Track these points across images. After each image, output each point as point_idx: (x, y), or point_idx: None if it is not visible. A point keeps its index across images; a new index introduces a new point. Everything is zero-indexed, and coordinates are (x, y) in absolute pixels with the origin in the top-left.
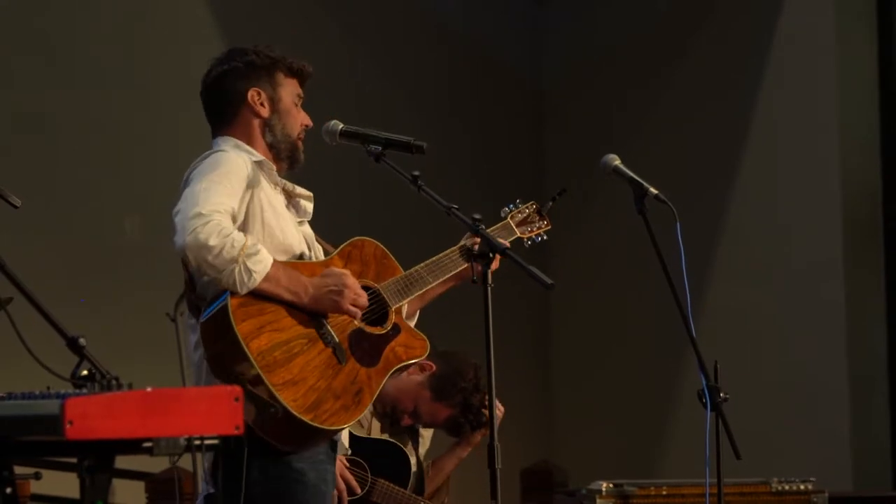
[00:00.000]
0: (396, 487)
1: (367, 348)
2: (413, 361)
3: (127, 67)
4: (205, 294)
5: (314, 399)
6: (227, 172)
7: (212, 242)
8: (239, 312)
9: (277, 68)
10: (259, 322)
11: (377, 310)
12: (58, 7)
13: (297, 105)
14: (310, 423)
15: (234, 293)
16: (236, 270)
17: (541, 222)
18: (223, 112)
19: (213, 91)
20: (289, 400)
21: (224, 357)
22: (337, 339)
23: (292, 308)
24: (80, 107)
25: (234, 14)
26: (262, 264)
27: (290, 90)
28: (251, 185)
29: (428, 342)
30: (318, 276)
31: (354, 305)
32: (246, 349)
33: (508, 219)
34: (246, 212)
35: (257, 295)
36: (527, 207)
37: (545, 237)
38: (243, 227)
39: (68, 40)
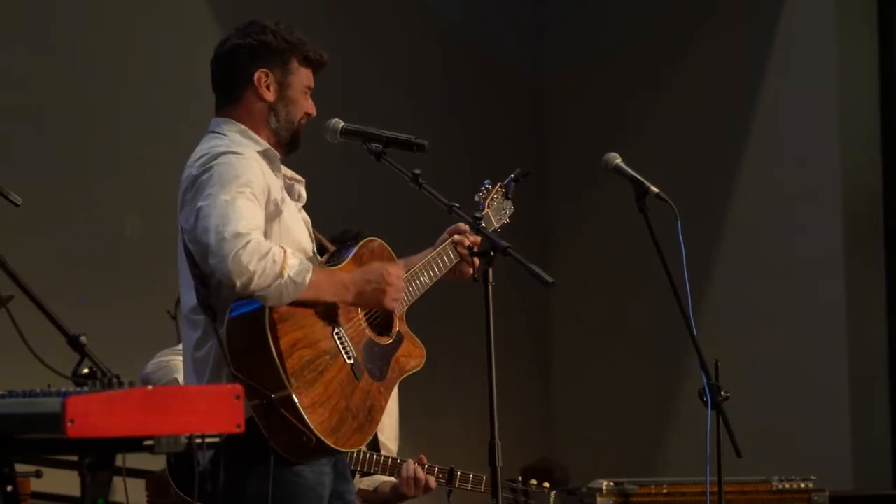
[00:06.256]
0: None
1: (376, 360)
2: (413, 372)
3: (128, 67)
4: (219, 291)
5: (337, 420)
6: (248, 181)
7: (255, 265)
8: (277, 328)
9: (293, 54)
10: (293, 339)
11: (383, 317)
12: (60, 6)
13: (305, 94)
14: (332, 446)
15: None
16: (283, 284)
17: (506, 203)
18: (229, 89)
19: (223, 64)
20: (316, 423)
21: (254, 373)
22: (355, 353)
23: (318, 319)
24: (82, 106)
25: (236, 14)
26: (307, 274)
27: (300, 79)
28: (267, 186)
29: (424, 350)
30: (358, 271)
31: (396, 300)
32: (281, 371)
33: (487, 209)
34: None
35: (293, 303)
36: (496, 192)
37: (508, 220)
38: (264, 232)
39: (69, 39)
